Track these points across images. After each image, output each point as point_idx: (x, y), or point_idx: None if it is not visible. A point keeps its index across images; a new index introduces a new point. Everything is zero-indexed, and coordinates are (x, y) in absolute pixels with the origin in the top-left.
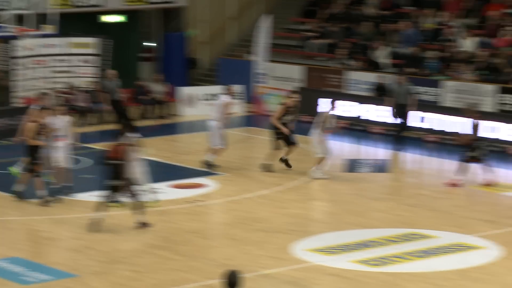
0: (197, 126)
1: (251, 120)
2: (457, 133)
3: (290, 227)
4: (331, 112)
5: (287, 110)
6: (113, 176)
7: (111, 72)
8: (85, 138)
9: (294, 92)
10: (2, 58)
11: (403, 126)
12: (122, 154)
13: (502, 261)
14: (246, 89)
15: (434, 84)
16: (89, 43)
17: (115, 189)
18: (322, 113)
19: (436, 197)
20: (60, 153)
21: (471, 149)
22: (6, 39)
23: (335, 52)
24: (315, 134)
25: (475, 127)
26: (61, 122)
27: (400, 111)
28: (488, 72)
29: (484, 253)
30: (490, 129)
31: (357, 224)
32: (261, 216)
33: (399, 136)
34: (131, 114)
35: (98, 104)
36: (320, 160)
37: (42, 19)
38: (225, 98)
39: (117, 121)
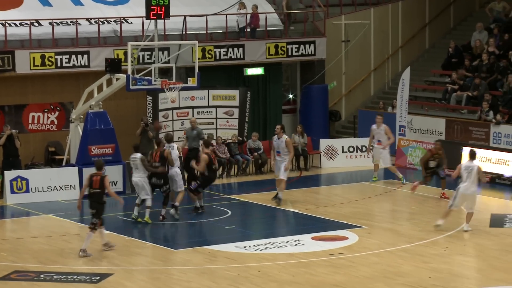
0: (337, 178)
1: (392, 173)
2: None
3: (434, 282)
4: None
5: (431, 156)
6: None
7: (193, 120)
8: (228, 189)
9: (437, 141)
10: (148, 110)
11: None
12: None
13: None
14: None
15: None
16: (231, 95)
17: None
18: (473, 166)
19: None
20: None
21: None
22: (152, 92)
23: (478, 105)
24: (467, 188)
25: None
26: None
27: None
28: None
29: None
30: None
31: (504, 281)
32: (404, 270)
33: None
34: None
35: (237, 155)
36: (471, 215)
37: (186, 72)
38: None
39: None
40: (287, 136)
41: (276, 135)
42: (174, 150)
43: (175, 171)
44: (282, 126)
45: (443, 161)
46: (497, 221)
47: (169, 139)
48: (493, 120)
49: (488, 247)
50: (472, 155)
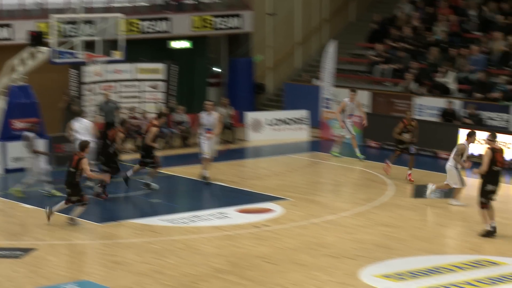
0: (263, 151)
1: (317, 145)
2: None
3: (357, 252)
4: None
5: (404, 128)
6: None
7: (107, 93)
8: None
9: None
10: (72, 84)
11: None
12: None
13: None
14: (312, 114)
15: (503, 109)
16: (157, 69)
17: None
18: (459, 144)
19: (506, 224)
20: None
21: None
22: (76, 65)
23: (402, 77)
24: (450, 166)
25: None
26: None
27: None
28: None
29: None
30: None
31: (425, 250)
32: (328, 242)
33: None
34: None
35: (166, 129)
36: (458, 190)
37: (111, 45)
38: None
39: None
40: (217, 112)
41: (205, 111)
42: (83, 124)
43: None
44: (214, 102)
45: (417, 136)
46: (420, 191)
47: (77, 112)
48: (417, 92)
49: (410, 217)
50: (468, 136)
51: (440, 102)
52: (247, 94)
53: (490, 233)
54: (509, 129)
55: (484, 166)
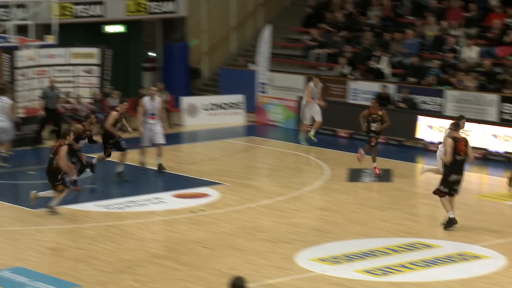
0: (199, 136)
1: (253, 130)
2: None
3: (293, 236)
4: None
5: (369, 116)
6: None
7: (53, 80)
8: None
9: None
10: (5, 69)
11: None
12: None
13: (506, 271)
14: (248, 99)
15: (437, 93)
16: (91, 53)
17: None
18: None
19: (439, 206)
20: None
21: None
22: (8, 50)
23: (337, 62)
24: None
25: None
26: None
27: None
28: (490, 82)
29: (488, 262)
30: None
31: (361, 234)
32: (264, 226)
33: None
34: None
35: (100, 114)
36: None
37: (44, 29)
38: None
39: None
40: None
41: (148, 96)
42: (3, 102)
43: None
44: (160, 87)
45: (387, 125)
46: (354, 175)
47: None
48: (351, 77)
49: (346, 201)
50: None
51: (374, 87)
52: (183, 79)
53: (452, 222)
54: (442, 113)
55: (448, 156)
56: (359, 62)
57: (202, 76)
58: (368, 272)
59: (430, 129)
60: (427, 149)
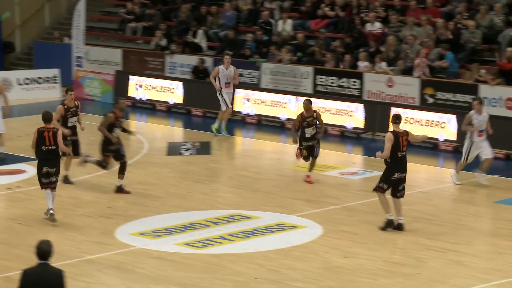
0: (14, 111)
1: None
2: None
3: (113, 211)
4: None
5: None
6: None
7: None
8: None
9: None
10: None
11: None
12: None
13: (321, 239)
14: (64, 73)
15: (253, 66)
16: None
17: None
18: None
19: (258, 178)
20: None
21: None
22: None
23: (153, 35)
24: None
25: None
26: None
27: None
28: (304, 54)
29: (305, 232)
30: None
31: (181, 207)
32: (84, 201)
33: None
34: None
35: None
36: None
37: None
38: None
39: None
40: None
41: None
42: None
43: None
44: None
45: (322, 128)
46: (173, 149)
47: None
48: (168, 51)
49: (165, 174)
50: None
51: (192, 60)
52: None
53: (390, 224)
54: (259, 86)
55: (386, 152)
56: (176, 36)
57: (16, 50)
58: (188, 244)
59: (247, 102)
60: (245, 122)
